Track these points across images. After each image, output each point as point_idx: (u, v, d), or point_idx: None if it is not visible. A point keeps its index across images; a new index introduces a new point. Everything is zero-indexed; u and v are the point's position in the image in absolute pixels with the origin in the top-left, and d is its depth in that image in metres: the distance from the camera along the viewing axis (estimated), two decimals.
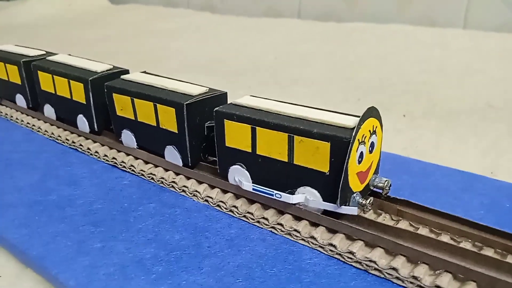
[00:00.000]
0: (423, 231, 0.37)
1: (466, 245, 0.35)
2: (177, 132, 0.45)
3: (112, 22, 1.69)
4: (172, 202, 0.44)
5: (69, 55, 0.63)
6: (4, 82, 0.67)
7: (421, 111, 0.74)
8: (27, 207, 0.44)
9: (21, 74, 0.63)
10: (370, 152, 0.37)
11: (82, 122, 0.56)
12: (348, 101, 0.80)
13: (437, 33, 1.25)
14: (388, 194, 0.39)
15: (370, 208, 0.36)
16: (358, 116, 0.37)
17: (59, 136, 0.58)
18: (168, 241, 0.38)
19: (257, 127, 0.39)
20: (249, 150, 0.40)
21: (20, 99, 0.66)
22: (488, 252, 0.34)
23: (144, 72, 0.54)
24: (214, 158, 0.48)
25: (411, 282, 0.32)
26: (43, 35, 1.46)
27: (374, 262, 0.34)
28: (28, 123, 0.64)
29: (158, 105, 0.46)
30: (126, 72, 0.55)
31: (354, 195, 0.36)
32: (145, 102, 0.47)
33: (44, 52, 0.65)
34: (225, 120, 0.41)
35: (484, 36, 1.17)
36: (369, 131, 0.36)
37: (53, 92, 0.59)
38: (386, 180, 0.38)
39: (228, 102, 0.43)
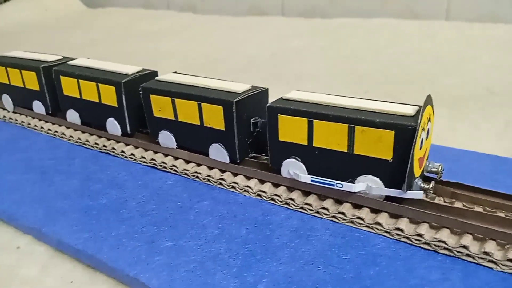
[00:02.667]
0: (479, 210, 0.39)
1: None
2: (224, 129, 0.46)
3: (94, 25, 1.66)
4: (225, 199, 0.45)
5: (88, 58, 0.62)
6: (18, 89, 0.66)
7: None
8: (81, 212, 0.43)
9: (39, 80, 0.62)
10: (426, 138, 0.39)
11: (112, 125, 0.56)
12: (356, 93, 0.81)
13: (422, 25, 1.29)
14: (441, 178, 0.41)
15: (432, 191, 0.38)
16: (410, 105, 0.39)
17: (87, 141, 0.58)
18: (236, 236, 0.39)
19: (314, 120, 0.40)
20: (305, 143, 0.41)
21: (38, 106, 0.64)
22: None
23: (175, 72, 0.54)
24: (257, 154, 0.49)
25: (481, 258, 0.34)
26: (25, 41, 1.42)
27: (444, 242, 0.35)
28: (49, 129, 0.62)
29: (202, 104, 0.46)
30: (155, 73, 0.55)
31: (416, 180, 0.38)
32: (188, 101, 0.47)
33: (61, 57, 0.64)
34: (279, 115, 0.42)
35: (469, 26, 1.22)
36: (427, 118, 0.38)
37: (78, 96, 0.58)
38: (439, 165, 0.40)
39: (277, 98, 0.44)
